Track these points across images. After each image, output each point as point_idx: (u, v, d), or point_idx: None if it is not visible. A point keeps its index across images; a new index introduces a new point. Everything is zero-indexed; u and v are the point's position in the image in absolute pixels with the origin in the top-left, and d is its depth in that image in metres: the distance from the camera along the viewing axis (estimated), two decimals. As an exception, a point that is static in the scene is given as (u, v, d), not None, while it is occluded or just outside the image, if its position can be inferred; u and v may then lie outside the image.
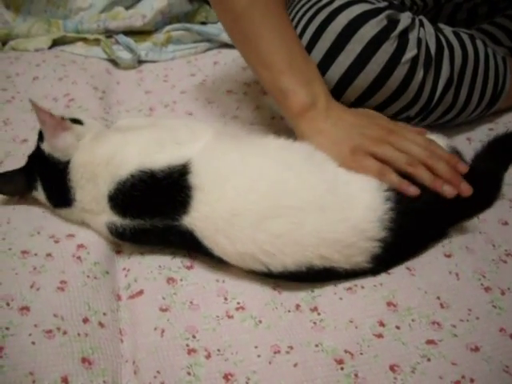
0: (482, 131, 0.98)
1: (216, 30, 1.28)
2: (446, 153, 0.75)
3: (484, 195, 0.81)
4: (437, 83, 0.87)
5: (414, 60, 0.84)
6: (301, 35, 0.87)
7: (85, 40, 1.29)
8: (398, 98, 0.85)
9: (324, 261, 0.66)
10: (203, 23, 1.34)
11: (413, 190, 0.69)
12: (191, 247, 0.71)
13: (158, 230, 0.69)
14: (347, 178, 0.71)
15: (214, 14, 1.34)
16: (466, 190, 0.71)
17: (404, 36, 0.84)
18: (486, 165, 0.84)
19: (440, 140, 0.78)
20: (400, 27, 0.84)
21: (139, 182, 0.69)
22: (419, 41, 0.85)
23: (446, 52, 0.88)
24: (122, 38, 1.27)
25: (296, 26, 0.89)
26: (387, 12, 0.84)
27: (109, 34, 1.30)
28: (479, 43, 0.93)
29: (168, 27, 1.31)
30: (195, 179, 0.68)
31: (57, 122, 0.74)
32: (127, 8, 1.35)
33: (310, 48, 0.86)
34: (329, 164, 0.72)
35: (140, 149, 0.72)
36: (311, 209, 0.66)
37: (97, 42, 1.27)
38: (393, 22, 0.84)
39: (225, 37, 1.26)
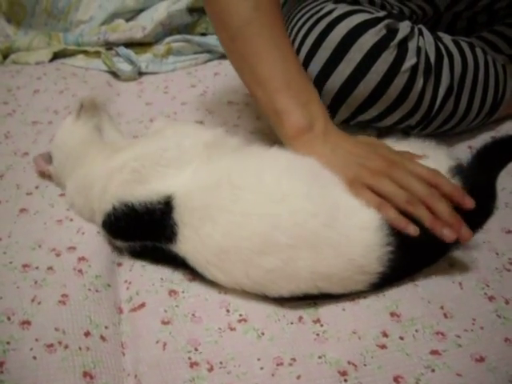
0: (484, 139, 0.97)
1: (216, 40, 1.29)
2: (450, 186, 0.69)
3: (482, 210, 0.76)
4: (437, 91, 0.87)
5: (414, 68, 0.84)
6: (300, 45, 0.87)
7: (85, 52, 1.30)
8: (398, 106, 0.85)
9: (320, 290, 0.65)
10: (203, 34, 1.35)
11: (412, 230, 0.65)
12: (186, 268, 0.70)
13: (150, 251, 0.70)
14: (350, 209, 0.67)
15: (213, 25, 1.35)
16: (466, 235, 0.66)
17: (403, 45, 0.84)
18: (480, 177, 0.82)
19: (441, 151, 0.76)
20: (399, 36, 0.84)
21: (122, 214, 0.69)
22: (418, 49, 0.85)
23: (446, 60, 0.88)
24: (122, 50, 1.28)
25: (295, 37, 0.89)
26: (386, 21, 0.85)
27: (109, 46, 1.31)
28: (479, 51, 0.93)
29: (168, 39, 1.31)
30: (179, 216, 0.67)
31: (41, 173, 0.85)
32: (127, 20, 1.36)
33: (309, 58, 0.86)
34: (333, 187, 0.68)
35: (120, 180, 0.71)
36: (304, 245, 0.64)
37: (97, 54, 1.28)
38: (392, 32, 0.84)
39: (225, 48, 1.27)
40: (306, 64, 0.87)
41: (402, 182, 0.69)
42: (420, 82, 0.85)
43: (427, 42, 0.88)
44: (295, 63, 0.78)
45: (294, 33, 0.92)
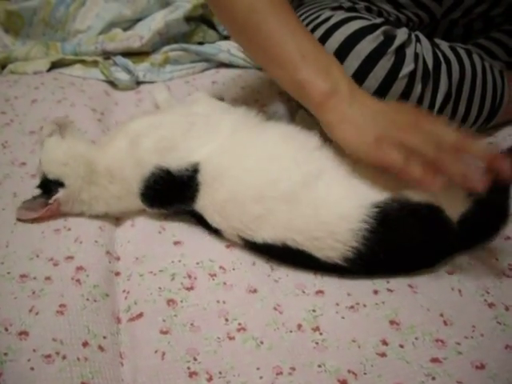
0: (482, 145, 0.97)
1: (213, 49, 1.29)
2: (479, 145, 0.67)
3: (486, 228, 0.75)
4: (435, 97, 0.87)
5: (412, 75, 0.84)
6: None
7: (83, 62, 1.29)
8: None
9: (296, 244, 0.71)
10: (200, 43, 1.35)
11: (439, 183, 0.65)
12: (203, 225, 0.79)
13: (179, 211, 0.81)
14: (332, 180, 0.73)
15: (211, 33, 1.35)
16: (507, 169, 0.64)
17: (401, 51, 0.84)
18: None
19: None
20: (397, 42, 0.84)
21: (160, 179, 0.78)
22: (416, 56, 0.86)
23: (444, 66, 0.88)
24: (119, 59, 1.28)
25: None
26: (384, 28, 0.85)
27: (107, 55, 1.30)
28: (476, 58, 0.93)
29: (165, 48, 1.31)
30: (202, 177, 0.77)
31: (47, 215, 0.80)
32: (125, 30, 1.35)
33: None
34: (320, 160, 0.75)
35: (152, 148, 0.79)
36: (283, 199, 0.72)
37: (95, 63, 1.28)
38: (389, 38, 0.84)
39: (222, 56, 1.27)
40: None
41: (433, 134, 0.68)
42: (418, 88, 0.85)
43: (425, 48, 0.88)
44: (306, 35, 0.78)
45: None
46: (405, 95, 0.84)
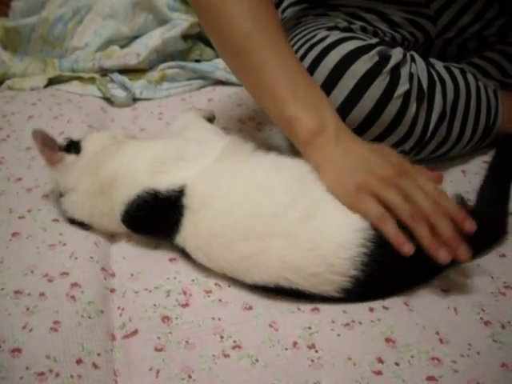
0: (476, 164, 0.98)
1: (210, 67, 1.30)
2: (454, 207, 0.69)
3: (483, 240, 0.77)
4: (430, 117, 0.88)
5: (407, 95, 0.85)
6: None
7: (80, 79, 1.30)
8: (391, 132, 0.86)
9: (290, 283, 0.68)
10: (197, 61, 1.36)
11: (407, 249, 0.66)
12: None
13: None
14: (329, 209, 0.70)
15: (208, 51, 1.36)
16: (464, 255, 0.67)
17: (396, 71, 0.85)
18: (488, 208, 0.83)
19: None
20: (392, 62, 0.85)
21: (144, 202, 0.75)
22: (411, 75, 0.86)
23: (438, 86, 0.89)
24: (116, 76, 1.29)
25: None
26: (379, 48, 0.86)
27: (104, 72, 1.31)
28: (470, 77, 0.94)
29: (162, 65, 1.32)
30: (187, 200, 0.73)
31: (47, 156, 0.82)
32: (122, 47, 1.37)
33: None
34: (315, 189, 0.72)
35: (146, 169, 0.77)
36: (278, 235, 0.68)
37: (92, 80, 1.29)
38: (384, 58, 0.85)
39: (219, 74, 1.28)
40: None
41: (408, 194, 0.69)
42: (413, 107, 0.86)
43: (419, 68, 0.89)
44: (299, 69, 0.79)
45: None
46: (400, 115, 0.85)
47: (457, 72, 0.93)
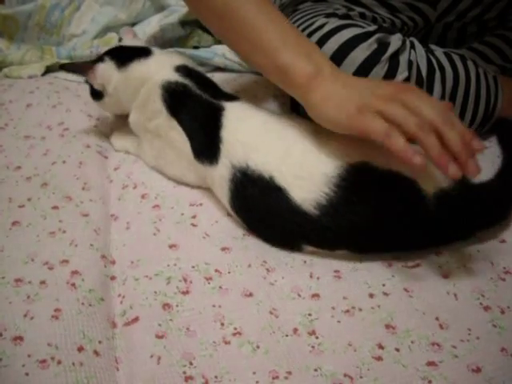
0: (476, 149, 0.98)
1: (209, 53, 1.29)
2: (461, 124, 0.66)
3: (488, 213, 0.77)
4: None
5: (405, 82, 0.84)
6: None
7: (78, 66, 1.29)
8: None
9: (279, 179, 0.74)
10: (196, 47, 1.35)
11: (418, 160, 0.62)
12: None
13: None
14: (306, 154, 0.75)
15: (206, 38, 1.35)
16: (473, 170, 0.63)
17: (394, 58, 0.85)
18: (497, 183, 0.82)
19: None
20: (390, 50, 0.84)
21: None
22: (410, 63, 0.86)
23: (438, 74, 0.89)
24: (115, 63, 1.28)
25: None
26: (377, 35, 0.85)
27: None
28: (470, 64, 0.94)
29: (161, 52, 1.31)
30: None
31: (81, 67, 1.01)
32: (120, 34, 1.36)
33: None
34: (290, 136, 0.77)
35: None
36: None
37: (90, 68, 1.28)
38: (383, 45, 0.85)
39: (217, 60, 1.27)
40: None
41: (414, 107, 0.66)
42: None
43: (419, 55, 0.89)
44: (285, 22, 0.78)
45: None
46: None
47: (456, 58, 0.93)
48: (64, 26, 1.36)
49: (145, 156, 0.95)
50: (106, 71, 0.92)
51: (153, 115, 0.88)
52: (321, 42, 0.86)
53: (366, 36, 0.85)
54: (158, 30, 1.31)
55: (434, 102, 0.68)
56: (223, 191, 0.80)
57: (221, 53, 1.27)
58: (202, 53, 1.30)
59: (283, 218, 0.74)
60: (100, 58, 0.94)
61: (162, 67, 0.90)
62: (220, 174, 0.80)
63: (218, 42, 1.33)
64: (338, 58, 0.84)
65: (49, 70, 1.29)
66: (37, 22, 1.35)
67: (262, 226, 0.78)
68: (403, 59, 0.85)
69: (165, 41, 1.33)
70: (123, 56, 0.93)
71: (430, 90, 0.88)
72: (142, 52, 0.93)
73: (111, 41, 1.32)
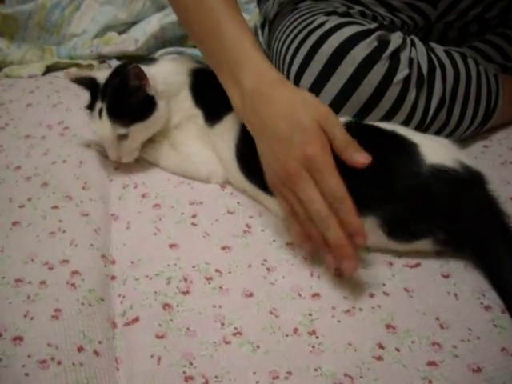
0: (477, 148, 0.98)
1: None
2: (350, 216, 0.66)
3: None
4: (429, 103, 0.87)
5: (406, 80, 0.84)
6: (292, 58, 0.88)
7: (78, 66, 1.30)
8: (391, 118, 0.86)
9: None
10: (195, 46, 1.35)
11: (306, 248, 0.72)
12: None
13: None
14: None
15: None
16: (347, 269, 0.67)
17: (395, 56, 0.85)
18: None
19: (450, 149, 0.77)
20: (391, 48, 0.84)
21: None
22: (411, 61, 0.86)
23: (438, 71, 0.88)
24: (115, 63, 1.28)
25: (287, 49, 0.90)
26: (378, 33, 0.85)
27: (102, 59, 1.31)
28: (471, 62, 0.93)
29: (161, 51, 1.31)
30: None
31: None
32: (120, 33, 1.36)
33: (302, 71, 0.86)
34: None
35: None
36: None
37: (90, 67, 1.28)
38: (384, 43, 0.85)
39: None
40: (298, 77, 0.87)
41: (300, 197, 0.67)
42: (413, 93, 0.85)
43: (419, 52, 0.88)
44: (229, 35, 0.78)
45: (286, 45, 0.92)
46: (399, 101, 0.85)
47: (457, 56, 0.93)
48: (64, 25, 1.36)
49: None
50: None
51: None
52: (321, 40, 0.86)
53: (367, 34, 0.85)
54: (159, 29, 1.31)
55: (328, 187, 0.66)
56: None
57: (221, 52, 1.27)
58: (201, 52, 1.30)
59: None
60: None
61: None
62: None
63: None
64: (339, 55, 0.84)
65: (49, 69, 1.29)
66: (37, 21, 1.35)
67: None
68: (404, 57, 0.85)
69: (165, 40, 1.33)
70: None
71: (430, 88, 0.88)
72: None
73: (111, 40, 1.32)
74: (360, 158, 0.66)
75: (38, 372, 0.59)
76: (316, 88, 0.85)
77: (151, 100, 0.86)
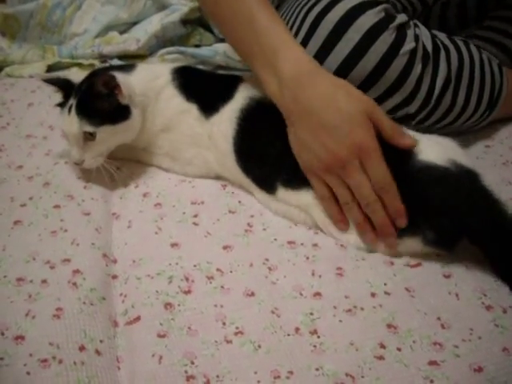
0: (479, 148, 0.98)
1: (210, 52, 1.29)
2: (396, 200, 0.73)
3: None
4: (435, 82, 0.87)
5: (413, 53, 0.83)
6: (299, 26, 0.87)
7: (79, 65, 1.30)
8: (396, 90, 0.85)
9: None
10: (197, 46, 1.35)
11: (342, 228, 0.77)
12: None
13: None
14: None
15: (207, 36, 1.35)
16: (390, 246, 0.74)
17: (402, 29, 0.84)
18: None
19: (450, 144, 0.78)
20: (398, 21, 0.83)
21: None
22: (416, 36, 0.85)
23: (443, 53, 0.88)
24: (116, 62, 1.28)
25: (295, 18, 0.89)
26: (384, 5, 0.84)
27: (103, 58, 1.31)
28: (473, 49, 0.93)
29: (162, 51, 1.31)
30: None
31: None
32: (121, 33, 1.36)
33: (308, 38, 0.85)
34: None
35: None
36: None
37: (91, 67, 1.28)
38: (390, 16, 0.84)
39: (219, 59, 1.27)
40: (304, 44, 0.85)
41: (349, 183, 0.74)
42: (418, 67, 0.84)
43: (423, 34, 0.87)
44: (263, 21, 0.80)
45: (294, 14, 0.90)
46: (405, 73, 0.83)
47: (460, 43, 0.93)
48: (65, 25, 1.36)
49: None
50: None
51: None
52: (328, 8, 0.84)
53: (374, 4, 0.83)
54: (160, 29, 1.31)
55: (374, 172, 0.73)
56: None
57: (222, 51, 1.27)
58: (203, 51, 1.30)
59: None
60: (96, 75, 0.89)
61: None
62: None
63: (220, 41, 1.33)
64: (345, 23, 0.82)
65: (50, 68, 1.29)
66: (38, 21, 1.36)
67: None
68: (410, 32, 0.84)
69: (166, 39, 1.33)
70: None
71: (435, 68, 0.87)
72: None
73: (112, 40, 1.32)
74: (408, 141, 0.74)
75: (39, 371, 0.59)
76: (321, 55, 0.83)
77: (125, 108, 0.86)
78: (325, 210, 0.78)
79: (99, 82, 0.83)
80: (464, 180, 0.73)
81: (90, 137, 0.84)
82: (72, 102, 0.85)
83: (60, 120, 0.88)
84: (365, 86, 0.83)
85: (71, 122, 0.84)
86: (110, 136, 0.86)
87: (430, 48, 0.87)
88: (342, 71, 0.83)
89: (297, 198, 0.80)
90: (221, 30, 0.91)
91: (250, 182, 0.85)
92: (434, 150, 0.75)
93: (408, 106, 0.87)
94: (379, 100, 0.85)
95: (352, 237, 0.77)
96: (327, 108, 0.73)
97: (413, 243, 0.74)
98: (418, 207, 0.72)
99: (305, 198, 0.80)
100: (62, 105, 0.89)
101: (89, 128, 0.83)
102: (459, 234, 0.73)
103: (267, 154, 0.83)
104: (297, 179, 0.79)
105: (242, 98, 0.86)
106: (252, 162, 0.84)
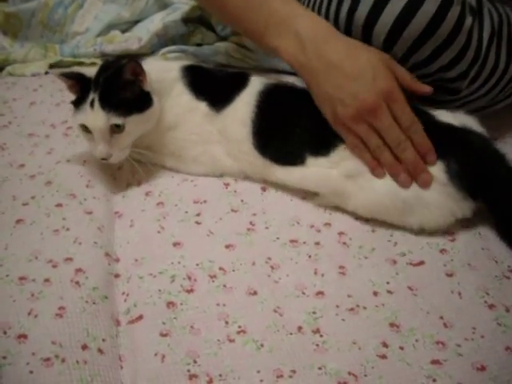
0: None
1: (212, 51, 1.29)
2: (421, 138, 0.78)
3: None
4: (482, 36, 0.86)
5: (463, 4, 0.82)
6: None
7: (81, 64, 1.29)
8: (450, 44, 0.83)
9: None
10: (199, 45, 1.34)
11: (379, 173, 0.78)
12: None
13: None
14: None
15: (209, 35, 1.35)
16: (424, 182, 0.77)
17: None
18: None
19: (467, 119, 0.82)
20: None
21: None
22: None
23: (486, 9, 0.89)
24: (118, 61, 1.28)
25: None
26: None
27: (105, 57, 1.30)
28: (507, 9, 0.94)
29: (164, 49, 1.31)
30: None
31: None
32: (123, 31, 1.35)
33: (356, 3, 0.83)
34: None
35: None
36: None
37: (93, 65, 1.27)
38: None
39: (220, 58, 1.27)
40: (354, 7, 0.83)
41: (377, 128, 0.78)
42: (469, 19, 0.83)
43: None
44: None
45: None
46: (458, 24, 0.81)
47: (497, 3, 0.93)
48: (67, 23, 1.36)
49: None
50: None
51: None
52: None
53: None
54: (161, 28, 1.31)
55: (401, 116, 0.78)
56: None
57: (224, 50, 1.27)
58: (205, 50, 1.30)
59: None
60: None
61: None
62: None
63: (221, 40, 1.33)
64: None
65: (52, 67, 1.29)
66: (40, 19, 1.35)
67: None
68: None
69: (168, 38, 1.33)
70: None
71: (481, 22, 0.87)
72: None
73: (114, 39, 1.31)
74: (425, 88, 0.81)
75: (42, 370, 0.59)
76: (378, 7, 0.81)
77: (147, 95, 0.85)
78: (359, 158, 0.79)
79: (128, 70, 0.81)
80: (479, 139, 0.80)
81: (116, 129, 0.82)
82: (93, 95, 0.82)
83: (76, 118, 0.85)
84: (419, 41, 0.82)
85: (96, 117, 0.81)
86: (138, 125, 0.84)
87: (473, 3, 0.87)
88: (396, 30, 0.81)
89: (328, 160, 0.82)
90: (231, 13, 0.91)
91: (268, 161, 0.86)
92: (448, 116, 0.81)
93: (460, 61, 0.85)
94: (432, 58, 0.84)
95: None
96: (350, 59, 0.79)
97: (436, 170, 0.78)
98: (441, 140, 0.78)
99: (334, 158, 0.82)
100: (77, 102, 0.86)
101: (117, 120, 0.81)
102: (479, 177, 0.77)
103: (293, 129, 0.84)
104: (326, 144, 0.82)
105: (258, 83, 0.88)
106: (275, 139, 0.85)
